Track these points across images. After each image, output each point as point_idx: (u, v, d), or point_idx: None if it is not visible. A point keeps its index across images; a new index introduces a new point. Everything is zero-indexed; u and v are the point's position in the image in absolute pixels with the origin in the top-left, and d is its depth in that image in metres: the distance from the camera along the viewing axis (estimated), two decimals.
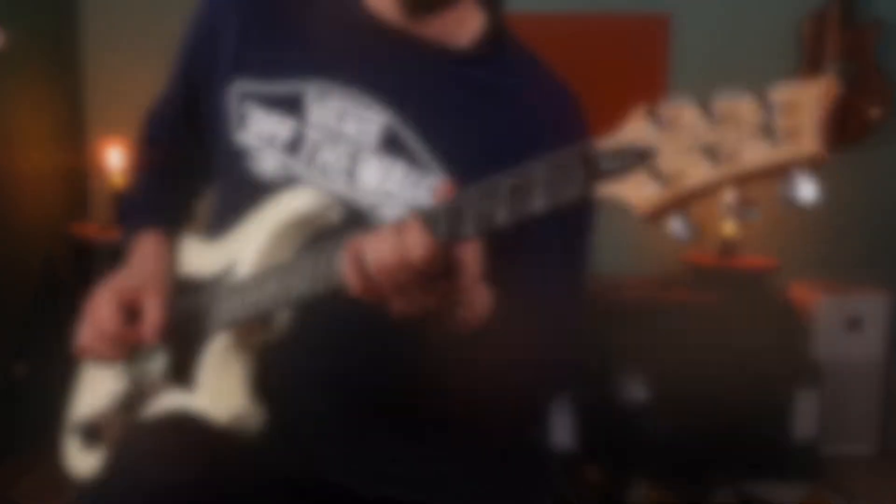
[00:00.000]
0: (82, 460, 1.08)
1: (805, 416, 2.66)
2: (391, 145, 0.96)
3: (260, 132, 0.99)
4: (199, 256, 1.05)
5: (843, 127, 2.96)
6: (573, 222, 0.98)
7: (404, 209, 0.92)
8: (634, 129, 0.64)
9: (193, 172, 1.18)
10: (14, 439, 2.62)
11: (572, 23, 2.97)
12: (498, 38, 1.02)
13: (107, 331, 0.97)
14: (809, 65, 2.95)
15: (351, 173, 0.96)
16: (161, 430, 0.92)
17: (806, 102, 0.58)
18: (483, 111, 0.98)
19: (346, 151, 0.97)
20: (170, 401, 0.99)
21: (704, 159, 0.60)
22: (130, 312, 0.99)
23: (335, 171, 0.97)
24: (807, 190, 0.59)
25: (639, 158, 0.63)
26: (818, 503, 2.56)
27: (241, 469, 0.92)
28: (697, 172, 0.60)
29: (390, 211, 0.95)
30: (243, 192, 0.99)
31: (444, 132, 0.96)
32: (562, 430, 1.27)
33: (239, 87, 1.01)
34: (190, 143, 1.15)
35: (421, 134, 0.96)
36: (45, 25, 2.84)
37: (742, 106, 0.60)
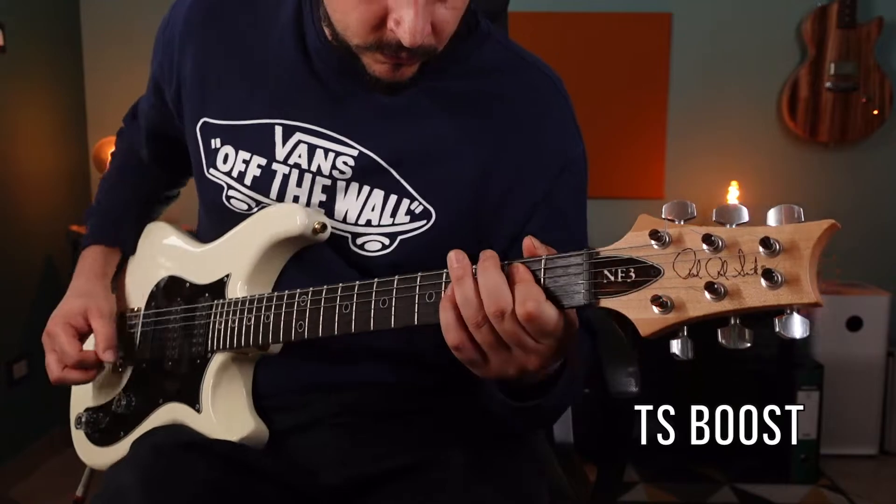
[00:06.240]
0: (92, 451, 1.09)
1: (805, 416, 2.66)
2: (365, 176, 0.94)
3: (229, 170, 0.98)
4: (191, 260, 1.05)
5: (843, 127, 2.96)
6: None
7: (385, 238, 0.94)
8: (638, 240, 0.66)
9: (157, 186, 1.21)
10: (14, 439, 2.63)
11: (581, 20, 2.99)
12: (460, 38, 0.94)
13: (70, 358, 1.03)
14: (810, 64, 2.95)
15: (326, 206, 0.95)
16: (165, 448, 0.92)
17: (805, 247, 0.60)
18: (446, 125, 0.94)
19: (320, 185, 0.95)
20: (172, 414, 1.00)
21: (707, 294, 0.62)
22: (85, 334, 1.06)
23: (309, 206, 0.96)
24: (800, 328, 0.61)
25: (643, 277, 0.65)
26: (818, 503, 2.56)
27: (245, 479, 0.91)
28: (699, 306, 0.62)
29: (371, 240, 0.95)
30: (222, 216, 1.01)
31: (412, 156, 0.93)
32: (559, 424, 1.27)
33: (206, 124, 1.00)
34: (159, 157, 1.17)
35: (390, 162, 0.93)
36: (45, 25, 2.84)
37: (744, 237, 0.62)
